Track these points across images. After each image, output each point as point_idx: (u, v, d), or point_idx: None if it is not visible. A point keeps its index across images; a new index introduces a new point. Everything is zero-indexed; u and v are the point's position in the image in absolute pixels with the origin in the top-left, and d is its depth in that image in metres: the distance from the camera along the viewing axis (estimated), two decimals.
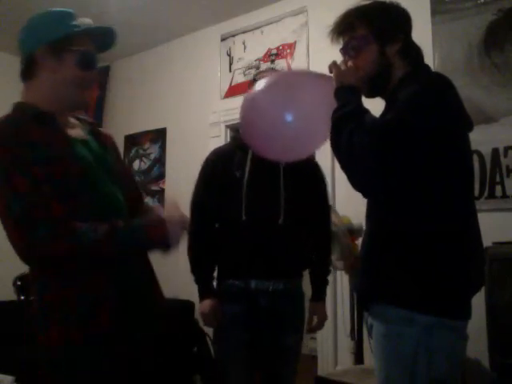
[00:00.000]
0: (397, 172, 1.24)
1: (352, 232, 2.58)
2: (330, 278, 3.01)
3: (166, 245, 1.40)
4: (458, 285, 1.29)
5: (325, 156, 2.88)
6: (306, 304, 2.20)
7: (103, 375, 1.32)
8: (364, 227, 1.48)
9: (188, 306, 3.36)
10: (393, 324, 1.30)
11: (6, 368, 2.32)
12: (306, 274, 2.21)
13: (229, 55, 3.99)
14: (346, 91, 1.38)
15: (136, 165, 4.55)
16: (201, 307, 2.09)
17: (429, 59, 2.83)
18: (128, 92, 4.68)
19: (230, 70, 3.95)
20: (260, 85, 1.69)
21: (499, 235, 2.17)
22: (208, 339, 3.29)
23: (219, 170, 2.12)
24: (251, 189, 2.05)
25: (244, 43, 3.90)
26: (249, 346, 2.04)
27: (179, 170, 4.01)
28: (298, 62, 3.58)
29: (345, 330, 2.99)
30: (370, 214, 1.44)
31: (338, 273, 3.04)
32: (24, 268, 1.41)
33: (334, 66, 1.43)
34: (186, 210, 1.54)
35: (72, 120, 1.50)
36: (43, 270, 1.35)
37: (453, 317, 1.29)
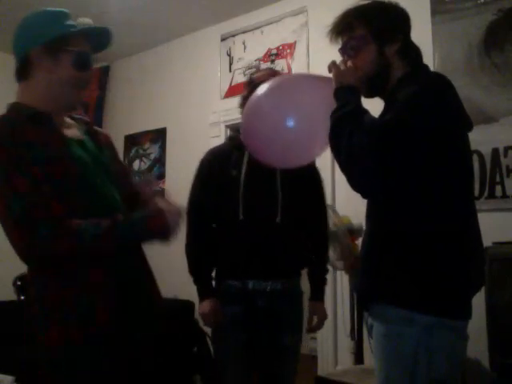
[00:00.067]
0: (396, 172, 1.24)
1: (352, 232, 2.58)
2: (329, 278, 3.01)
3: (165, 234, 1.41)
4: (457, 285, 1.29)
5: (325, 156, 2.88)
6: (305, 303, 2.19)
7: (103, 375, 1.32)
8: (364, 227, 1.48)
9: (188, 305, 3.36)
10: (393, 324, 1.30)
11: (6, 368, 2.32)
12: (304, 274, 2.21)
13: (229, 55, 3.99)
14: (346, 91, 1.38)
15: (136, 165, 4.55)
16: (200, 307, 2.08)
17: (429, 59, 2.83)
18: (128, 92, 4.68)
19: (230, 70, 3.95)
20: (261, 89, 1.67)
21: (499, 235, 2.17)
22: (208, 339, 3.29)
23: (216, 169, 2.12)
24: (248, 188, 2.05)
25: (244, 43, 3.90)
26: (247, 347, 2.04)
27: (179, 170, 4.01)
28: (297, 62, 3.58)
29: (345, 330, 2.99)
30: (370, 214, 1.44)
31: (338, 273, 3.04)
32: (24, 268, 1.41)
33: (333, 65, 1.43)
34: (184, 209, 1.55)
35: (68, 120, 1.49)
36: (43, 269, 1.35)
37: (453, 317, 1.28)
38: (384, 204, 1.35)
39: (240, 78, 3.85)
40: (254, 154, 1.74)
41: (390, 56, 1.41)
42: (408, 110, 1.25)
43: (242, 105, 2.12)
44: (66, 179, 1.32)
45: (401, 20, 1.45)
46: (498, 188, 2.64)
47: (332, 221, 2.54)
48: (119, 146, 4.55)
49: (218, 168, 2.11)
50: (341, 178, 1.31)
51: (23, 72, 1.42)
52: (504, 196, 2.62)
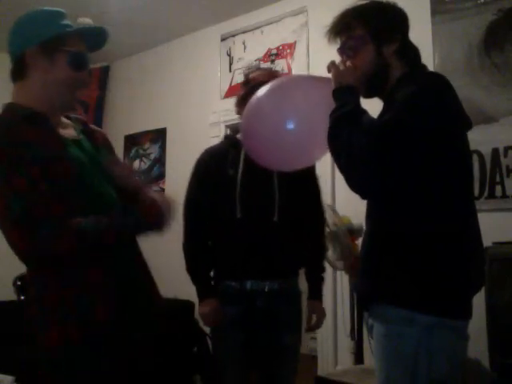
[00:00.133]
0: (395, 173, 1.24)
1: (352, 232, 2.58)
2: (329, 278, 3.01)
3: (161, 223, 1.42)
4: (457, 285, 1.29)
5: (325, 156, 2.88)
6: (304, 303, 2.19)
7: (103, 375, 1.32)
8: (364, 227, 1.48)
9: (188, 305, 3.36)
10: (393, 324, 1.30)
11: (6, 368, 2.32)
12: (302, 274, 2.21)
13: (229, 55, 3.99)
14: (345, 92, 1.37)
15: (136, 165, 4.55)
16: (200, 308, 2.08)
17: (429, 59, 2.83)
18: (128, 92, 4.68)
19: (230, 70, 3.95)
20: (262, 91, 1.67)
21: (499, 235, 2.17)
22: (208, 339, 3.29)
23: (212, 168, 2.12)
24: (245, 187, 2.05)
25: (244, 43, 3.90)
26: (245, 347, 2.04)
27: (179, 170, 3.99)
28: (297, 62, 3.58)
29: (345, 330, 3.00)
30: (370, 215, 1.44)
31: (338, 273, 3.04)
32: (24, 268, 1.41)
33: (332, 66, 1.43)
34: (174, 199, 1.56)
35: (64, 120, 1.49)
36: (42, 269, 1.35)
37: (453, 316, 1.28)
38: (383, 204, 1.35)
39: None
40: (254, 156, 1.73)
41: (389, 56, 1.41)
42: (407, 110, 1.25)
43: (238, 104, 2.12)
44: (64, 180, 1.32)
45: (399, 20, 1.46)
46: (498, 188, 2.64)
47: (332, 221, 2.54)
48: (119, 146, 4.55)
49: (214, 167, 2.11)
50: (341, 177, 1.31)
51: (19, 72, 1.41)
52: (504, 196, 2.62)
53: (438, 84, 1.32)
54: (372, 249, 1.39)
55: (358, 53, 1.42)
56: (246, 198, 2.04)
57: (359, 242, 2.41)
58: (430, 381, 1.26)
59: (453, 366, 1.30)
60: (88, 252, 1.31)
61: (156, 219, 1.41)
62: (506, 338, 2.05)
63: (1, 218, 1.30)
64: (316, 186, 2.26)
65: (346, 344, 2.95)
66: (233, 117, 3.52)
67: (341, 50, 1.47)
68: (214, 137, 3.82)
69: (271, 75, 2.05)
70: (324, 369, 3.16)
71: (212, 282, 2.11)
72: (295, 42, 3.61)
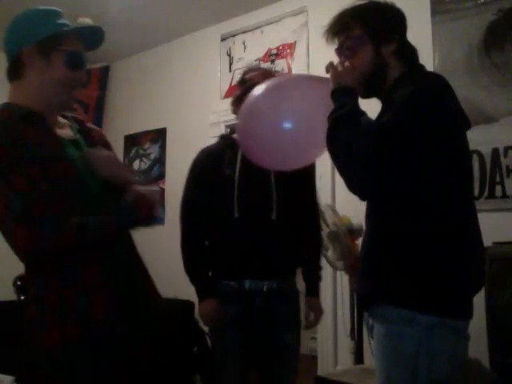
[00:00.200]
0: (394, 173, 1.24)
1: (352, 232, 2.58)
2: (329, 277, 3.01)
3: (153, 216, 1.44)
4: (457, 285, 1.29)
5: (325, 156, 2.88)
6: (302, 302, 2.20)
7: (103, 375, 1.32)
8: (364, 227, 1.48)
9: (188, 305, 3.35)
10: (393, 324, 1.30)
11: (6, 368, 2.32)
12: (299, 273, 2.22)
13: (229, 55, 3.99)
14: (343, 93, 1.37)
15: (136, 165, 4.55)
16: (200, 308, 2.07)
17: (429, 59, 2.83)
18: (128, 92, 4.68)
19: (230, 70, 3.95)
20: (258, 90, 1.66)
21: (499, 235, 2.17)
22: (208, 339, 3.29)
23: (209, 168, 2.12)
24: (242, 186, 2.05)
25: (244, 43, 3.90)
26: (244, 347, 2.04)
27: (179, 170, 3.96)
28: (297, 62, 3.58)
29: (345, 330, 2.99)
30: (370, 215, 1.44)
31: (338, 273, 3.04)
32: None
33: (330, 66, 1.43)
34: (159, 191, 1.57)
35: (61, 119, 1.48)
36: (41, 269, 1.34)
37: (454, 316, 1.28)
38: (383, 204, 1.35)
39: None
40: (251, 156, 1.73)
41: (387, 56, 1.41)
42: (405, 111, 1.25)
43: (234, 104, 2.12)
44: (64, 180, 1.32)
45: (397, 20, 1.46)
46: (498, 188, 2.64)
47: (332, 221, 2.54)
48: (119, 146, 4.55)
49: (210, 167, 2.11)
50: (341, 178, 1.31)
51: (15, 71, 1.41)
52: (504, 196, 2.62)
53: (437, 84, 1.32)
54: (372, 249, 1.39)
55: (356, 53, 1.42)
56: (243, 197, 2.04)
57: (359, 241, 2.41)
58: (431, 381, 1.26)
59: (453, 366, 1.30)
60: (89, 249, 1.31)
61: (148, 212, 1.42)
62: (506, 338, 2.05)
63: (1, 217, 1.29)
64: (312, 185, 2.27)
65: (345, 344, 2.95)
66: (233, 117, 3.51)
67: (339, 51, 1.47)
68: (214, 137, 3.79)
69: (268, 75, 2.05)
70: (324, 369, 3.16)
71: (211, 282, 2.11)
72: (295, 42, 3.61)
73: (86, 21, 3.51)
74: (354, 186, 1.28)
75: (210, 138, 3.82)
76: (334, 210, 2.66)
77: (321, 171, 3.31)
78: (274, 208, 2.05)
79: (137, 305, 1.41)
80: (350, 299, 2.79)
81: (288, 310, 2.10)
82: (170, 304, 3.36)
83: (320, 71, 1.66)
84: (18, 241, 1.27)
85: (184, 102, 4.24)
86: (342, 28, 1.44)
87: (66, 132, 1.45)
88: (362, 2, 1.46)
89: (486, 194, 2.66)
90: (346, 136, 1.27)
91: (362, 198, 1.34)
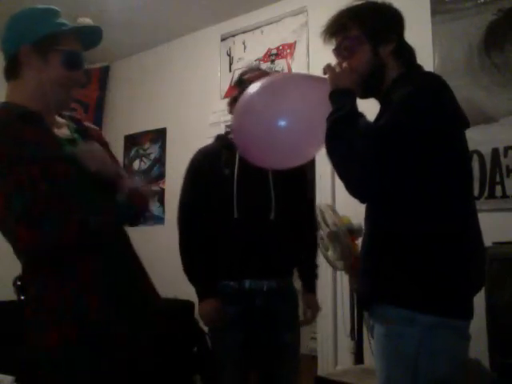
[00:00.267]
0: (393, 175, 1.24)
1: (352, 232, 2.58)
2: (329, 277, 3.01)
3: (146, 208, 1.48)
4: (457, 284, 1.29)
5: (325, 156, 2.88)
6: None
7: (103, 375, 1.32)
8: (364, 227, 1.48)
9: (188, 305, 3.35)
10: (394, 324, 1.29)
11: (6, 368, 2.31)
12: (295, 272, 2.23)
13: (229, 55, 3.99)
14: (341, 95, 1.37)
15: (136, 165, 4.55)
16: (201, 308, 2.07)
17: (429, 59, 2.83)
18: (128, 92, 4.68)
19: (230, 70, 3.95)
20: (253, 88, 1.65)
21: (499, 235, 2.17)
22: (208, 339, 3.29)
23: (206, 168, 2.12)
24: (241, 186, 2.05)
25: (244, 43, 3.90)
26: (244, 347, 2.04)
27: (179, 170, 3.96)
28: (297, 62, 3.58)
29: (345, 330, 2.99)
30: (369, 215, 1.43)
31: (338, 273, 3.04)
32: None
33: (328, 68, 1.43)
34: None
35: (59, 119, 1.48)
36: (40, 269, 1.34)
37: (454, 316, 1.28)
38: (382, 205, 1.35)
39: None
40: (246, 155, 1.73)
41: (385, 56, 1.41)
42: (403, 112, 1.25)
43: (230, 104, 2.12)
44: (64, 180, 1.32)
45: (394, 20, 1.46)
46: (498, 188, 2.64)
47: (332, 221, 2.54)
48: (119, 146, 4.55)
49: (207, 167, 2.12)
50: None
51: (12, 70, 1.40)
52: (504, 196, 2.62)
53: (434, 84, 1.32)
54: (372, 249, 1.39)
55: (354, 53, 1.42)
56: (242, 198, 2.04)
57: (359, 241, 2.41)
58: (431, 381, 1.26)
59: (454, 366, 1.30)
60: (89, 246, 1.32)
61: (142, 205, 1.44)
62: (506, 338, 2.05)
63: (1, 217, 1.29)
64: (307, 182, 2.28)
65: (346, 344, 2.94)
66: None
67: (336, 51, 1.47)
68: (214, 137, 3.82)
69: (266, 76, 2.04)
70: (324, 369, 3.16)
71: (211, 282, 2.11)
72: (295, 42, 3.61)
73: (86, 21, 3.51)
74: (353, 188, 1.27)
75: (209, 138, 3.81)
76: (333, 210, 2.65)
77: (321, 171, 3.32)
78: (272, 208, 2.05)
79: (135, 304, 1.41)
80: (350, 299, 2.79)
81: (287, 308, 2.10)
82: (169, 304, 3.36)
83: (320, 71, 1.65)
84: (19, 239, 1.26)
85: (184, 102, 4.24)
86: (339, 28, 1.44)
87: (63, 131, 1.45)
88: (360, 3, 1.46)
89: (486, 193, 2.66)
90: (345, 137, 1.27)
91: (362, 201, 1.34)
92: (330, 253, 2.58)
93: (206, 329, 2.77)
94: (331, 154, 1.33)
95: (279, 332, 2.06)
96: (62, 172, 1.33)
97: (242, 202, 2.04)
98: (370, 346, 1.67)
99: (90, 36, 1.48)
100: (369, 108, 1.41)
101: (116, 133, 4.54)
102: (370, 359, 2.47)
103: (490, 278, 2.04)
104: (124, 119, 4.66)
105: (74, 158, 1.37)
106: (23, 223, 1.24)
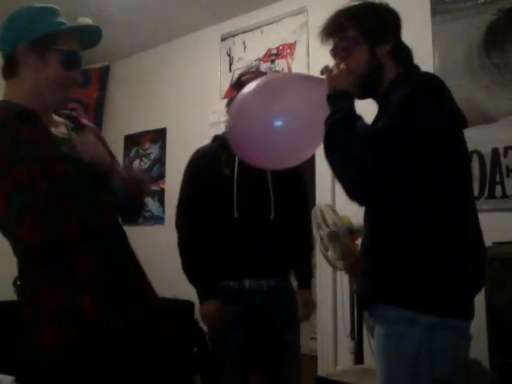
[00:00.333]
0: (392, 175, 1.24)
1: (352, 232, 2.58)
2: (329, 277, 3.01)
3: (143, 194, 1.49)
4: (458, 284, 1.29)
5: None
6: None
7: (103, 375, 1.32)
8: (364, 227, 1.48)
9: (188, 305, 3.35)
10: (394, 324, 1.29)
11: (6, 368, 2.31)
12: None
13: (229, 55, 3.99)
14: (339, 97, 1.37)
15: (136, 165, 4.54)
16: (202, 309, 2.07)
17: (429, 59, 2.83)
18: (128, 92, 4.68)
19: (230, 70, 3.95)
20: (248, 88, 1.64)
21: (499, 235, 2.17)
22: (208, 339, 3.29)
23: (204, 168, 2.13)
24: (241, 186, 2.05)
25: (244, 43, 3.90)
26: (244, 347, 2.04)
27: (179, 170, 3.97)
28: (297, 62, 3.58)
29: (345, 330, 2.99)
30: (369, 215, 1.43)
31: (338, 273, 3.04)
32: None
33: (325, 70, 1.43)
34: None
35: (56, 118, 1.48)
36: (36, 268, 1.34)
37: (455, 316, 1.28)
38: (382, 206, 1.35)
39: None
40: (242, 155, 1.73)
41: (382, 57, 1.41)
42: (401, 113, 1.25)
43: (229, 105, 2.13)
44: (64, 180, 1.32)
45: (391, 20, 1.46)
46: (498, 188, 2.64)
47: (332, 221, 2.54)
48: (119, 146, 4.55)
49: (206, 166, 2.13)
50: None
51: (10, 69, 1.40)
52: (504, 196, 2.62)
53: (432, 84, 1.32)
54: (372, 249, 1.39)
55: (351, 54, 1.42)
56: (242, 198, 2.05)
57: (359, 241, 2.41)
58: (432, 381, 1.26)
59: (455, 366, 1.30)
60: (94, 230, 1.32)
61: (139, 191, 1.46)
62: (506, 338, 2.05)
63: (1, 217, 1.29)
64: (300, 183, 2.29)
65: (346, 344, 2.94)
66: None
67: (334, 52, 1.47)
68: None
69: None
70: (324, 369, 3.16)
71: (212, 282, 2.11)
72: (295, 42, 3.61)
73: (86, 21, 3.51)
74: (352, 190, 1.27)
75: (209, 138, 3.82)
76: (333, 210, 2.65)
77: (321, 171, 3.32)
78: (272, 208, 2.06)
79: (134, 303, 1.41)
80: (350, 299, 2.79)
81: (287, 308, 2.11)
82: (169, 304, 3.36)
83: (320, 72, 1.66)
84: (19, 239, 1.26)
85: (184, 102, 4.24)
86: (336, 29, 1.44)
87: (60, 130, 1.45)
88: (357, 3, 1.46)
89: (486, 194, 2.66)
90: (343, 140, 1.27)
91: (361, 204, 1.34)
92: (330, 253, 2.58)
93: (205, 328, 2.78)
94: (329, 157, 1.33)
95: (279, 331, 2.06)
96: (62, 172, 1.33)
97: (242, 202, 2.04)
98: (370, 345, 1.66)
99: (89, 35, 1.48)
100: (367, 109, 1.41)
101: (116, 133, 4.54)
102: (370, 359, 2.47)
103: (490, 278, 2.04)
104: (124, 119, 4.66)
105: (73, 157, 1.38)
106: (23, 223, 1.23)
